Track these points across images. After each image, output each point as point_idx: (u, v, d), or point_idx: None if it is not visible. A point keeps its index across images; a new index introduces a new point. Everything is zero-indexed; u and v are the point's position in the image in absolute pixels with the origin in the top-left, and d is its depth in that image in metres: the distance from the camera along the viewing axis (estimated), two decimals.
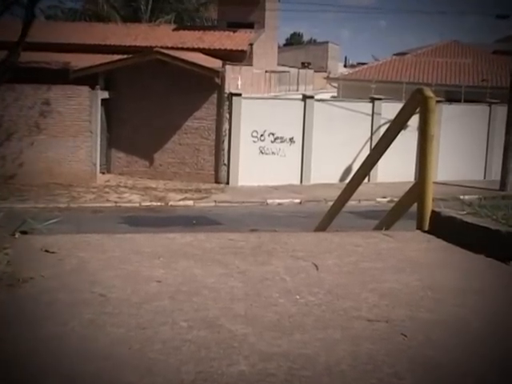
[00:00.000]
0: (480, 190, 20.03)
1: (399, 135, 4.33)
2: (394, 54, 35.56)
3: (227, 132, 21.02)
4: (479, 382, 1.91)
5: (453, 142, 22.27)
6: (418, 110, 3.98)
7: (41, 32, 21.47)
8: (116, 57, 21.68)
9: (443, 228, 3.60)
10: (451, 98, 24.30)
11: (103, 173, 21.11)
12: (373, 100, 22.85)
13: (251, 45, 25.52)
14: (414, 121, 4.29)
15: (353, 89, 27.60)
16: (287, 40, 72.61)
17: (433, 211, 3.78)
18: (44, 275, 2.62)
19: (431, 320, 2.35)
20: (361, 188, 4.84)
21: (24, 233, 3.19)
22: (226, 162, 21.10)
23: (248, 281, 2.71)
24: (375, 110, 22.46)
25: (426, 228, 3.76)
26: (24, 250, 2.98)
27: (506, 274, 3.00)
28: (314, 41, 67.95)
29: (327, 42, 53.01)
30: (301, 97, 22.72)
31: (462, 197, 16.17)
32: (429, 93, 3.91)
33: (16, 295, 2.41)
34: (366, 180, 5.13)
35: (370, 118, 22.47)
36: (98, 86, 20.40)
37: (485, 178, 23.95)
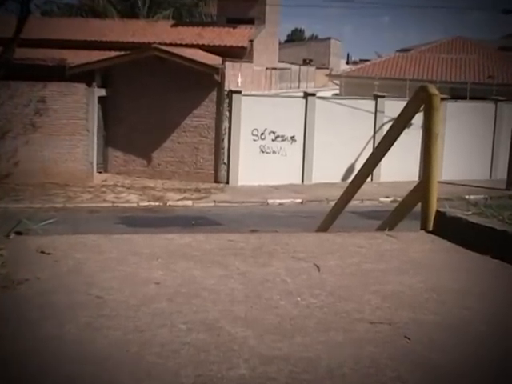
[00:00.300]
0: (486, 190, 20.03)
1: (403, 133, 4.31)
2: (398, 51, 35.51)
3: (227, 130, 20.99)
4: None
5: (458, 140, 22.16)
6: (422, 107, 3.94)
7: (36, 28, 21.50)
8: (113, 53, 21.65)
9: (448, 228, 3.57)
10: (456, 95, 24.11)
11: (100, 172, 21.09)
12: (376, 97, 22.83)
13: (251, 41, 25.45)
14: (417, 119, 4.25)
15: (355, 86, 27.56)
16: (288, 36, 72.63)
17: (437, 211, 3.74)
18: (40, 277, 2.60)
19: (435, 322, 2.33)
20: (363, 187, 4.82)
21: (19, 233, 3.17)
22: (225, 161, 21.07)
23: (248, 282, 2.69)
24: (378, 108, 22.44)
25: (431, 228, 3.72)
26: (19, 251, 2.95)
27: None
28: (316, 37, 67.80)
29: (329, 39, 52.90)
30: (302, 94, 22.71)
31: (467, 196, 16.14)
32: (433, 90, 3.87)
33: (11, 297, 2.38)
34: (368, 179, 5.09)
35: (373, 115, 22.45)
36: (94, 84, 20.37)
37: (490, 177, 23.89)
